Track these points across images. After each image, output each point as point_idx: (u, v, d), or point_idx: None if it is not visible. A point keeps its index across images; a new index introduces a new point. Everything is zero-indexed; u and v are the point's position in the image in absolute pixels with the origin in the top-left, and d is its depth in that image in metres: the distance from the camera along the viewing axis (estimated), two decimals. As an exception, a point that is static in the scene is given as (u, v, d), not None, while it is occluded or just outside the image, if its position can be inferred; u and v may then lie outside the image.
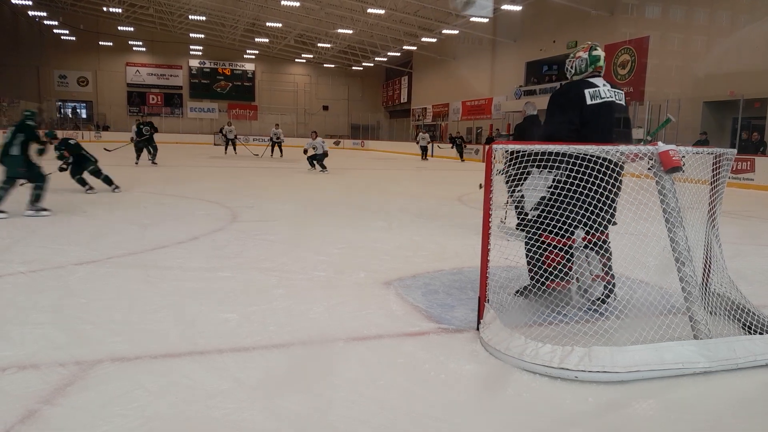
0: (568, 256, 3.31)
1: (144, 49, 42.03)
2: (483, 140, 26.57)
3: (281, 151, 22.04)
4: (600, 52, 3.46)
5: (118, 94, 42.26)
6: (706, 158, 3.22)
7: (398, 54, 37.88)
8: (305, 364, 2.66)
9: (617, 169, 3.17)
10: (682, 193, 2.98)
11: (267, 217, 7.13)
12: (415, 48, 35.33)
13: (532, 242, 3.39)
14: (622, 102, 3.45)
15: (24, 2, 32.45)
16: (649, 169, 2.97)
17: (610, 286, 3.41)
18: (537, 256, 3.35)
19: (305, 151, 15.73)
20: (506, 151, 3.49)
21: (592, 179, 3.02)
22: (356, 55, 40.45)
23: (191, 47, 41.66)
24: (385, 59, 40.17)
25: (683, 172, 2.93)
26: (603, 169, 3.04)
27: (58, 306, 3.32)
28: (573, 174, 3.06)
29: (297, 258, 4.76)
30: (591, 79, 3.42)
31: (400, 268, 4.45)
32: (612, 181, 3.14)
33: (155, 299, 3.50)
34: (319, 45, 38.72)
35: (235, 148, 23.11)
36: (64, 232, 5.61)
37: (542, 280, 3.29)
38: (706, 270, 3.24)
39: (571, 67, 3.54)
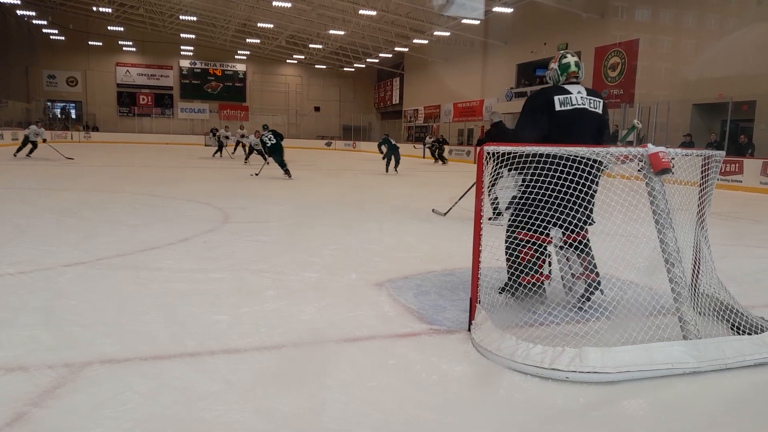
0: (539, 252, 3.38)
1: (134, 49, 41.83)
2: (474, 142, 26.64)
3: (220, 152, 21.90)
4: (569, 59, 3.45)
5: (108, 94, 42.04)
6: (695, 160, 3.25)
7: (390, 55, 37.92)
8: (297, 365, 2.65)
9: (591, 169, 3.17)
10: (671, 195, 3.01)
11: (259, 219, 7.12)
12: (406, 50, 35.40)
13: (510, 239, 3.46)
14: (597, 110, 3.42)
15: (12, 1, 32.14)
16: (638, 170, 2.99)
17: (594, 284, 3.44)
18: (513, 252, 3.42)
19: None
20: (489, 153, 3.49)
21: (562, 180, 3.06)
22: (348, 57, 40.45)
23: (182, 47, 41.51)
24: (377, 61, 40.20)
25: (673, 173, 2.95)
26: (573, 170, 3.07)
27: (48, 307, 3.29)
28: (541, 175, 3.12)
29: (289, 259, 4.75)
30: (566, 86, 3.42)
31: (392, 270, 4.45)
32: (585, 181, 3.13)
33: (146, 301, 3.48)
34: (311, 46, 38.70)
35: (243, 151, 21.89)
36: (53, 233, 5.57)
37: (516, 274, 3.37)
38: (695, 271, 3.27)
39: (549, 79, 3.58)
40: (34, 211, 7.11)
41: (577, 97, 3.36)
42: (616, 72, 20.78)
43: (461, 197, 7.63)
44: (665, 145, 2.99)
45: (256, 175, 13.68)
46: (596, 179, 3.26)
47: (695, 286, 3.22)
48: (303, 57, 42.30)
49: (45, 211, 7.16)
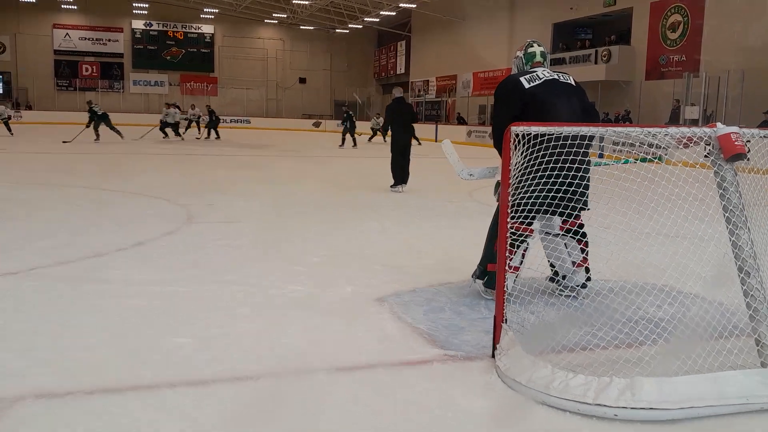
0: (515, 242, 3.61)
1: (75, 7, 41.85)
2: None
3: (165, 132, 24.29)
4: (536, 48, 4.14)
5: (43, 63, 42.08)
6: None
7: (393, 13, 37.91)
8: (278, 400, 2.66)
9: (586, 148, 3.57)
10: (746, 187, 3.00)
11: (230, 218, 7.13)
12: (414, 6, 35.36)
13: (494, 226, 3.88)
14: (569, 81, 4.03)
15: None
16: (705, 156, 2.99)
17: (588, 274, 4.00)
18: (491, 238, 3.85)
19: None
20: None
21: (552, 163, 3.27)
22: (341, 15, 40.43)
23: (134, 4, 41.59)
24: (378, 20, 40.19)
25: (748, 160, 2.95)
26: (572, 150, 3.25)
27: (-32, 329, 3.30)
28: (537, 158, 3.31)
29: (268, 269, 4.77)
30: (530, 70, 4.04)
31: (397, 281, 4.47)
32: (584, 158, 3.51)
33: (91, 321, 3.49)
34: (295, 2, 38.68)
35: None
36: (-25, 237, 5.59)
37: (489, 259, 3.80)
38: (777, 282, 3.26)
39: (516, 68, 4.21)
40: (-48, 210, 7.13)
41: (543, 73, 3.96)
42: (677, 33, 20.75)
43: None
44: (738, 125, 2.99)
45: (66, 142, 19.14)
46: (587, 157, 3.69)
47: (776, 300, 3.21)
48: (285, 16, 42.30)
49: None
